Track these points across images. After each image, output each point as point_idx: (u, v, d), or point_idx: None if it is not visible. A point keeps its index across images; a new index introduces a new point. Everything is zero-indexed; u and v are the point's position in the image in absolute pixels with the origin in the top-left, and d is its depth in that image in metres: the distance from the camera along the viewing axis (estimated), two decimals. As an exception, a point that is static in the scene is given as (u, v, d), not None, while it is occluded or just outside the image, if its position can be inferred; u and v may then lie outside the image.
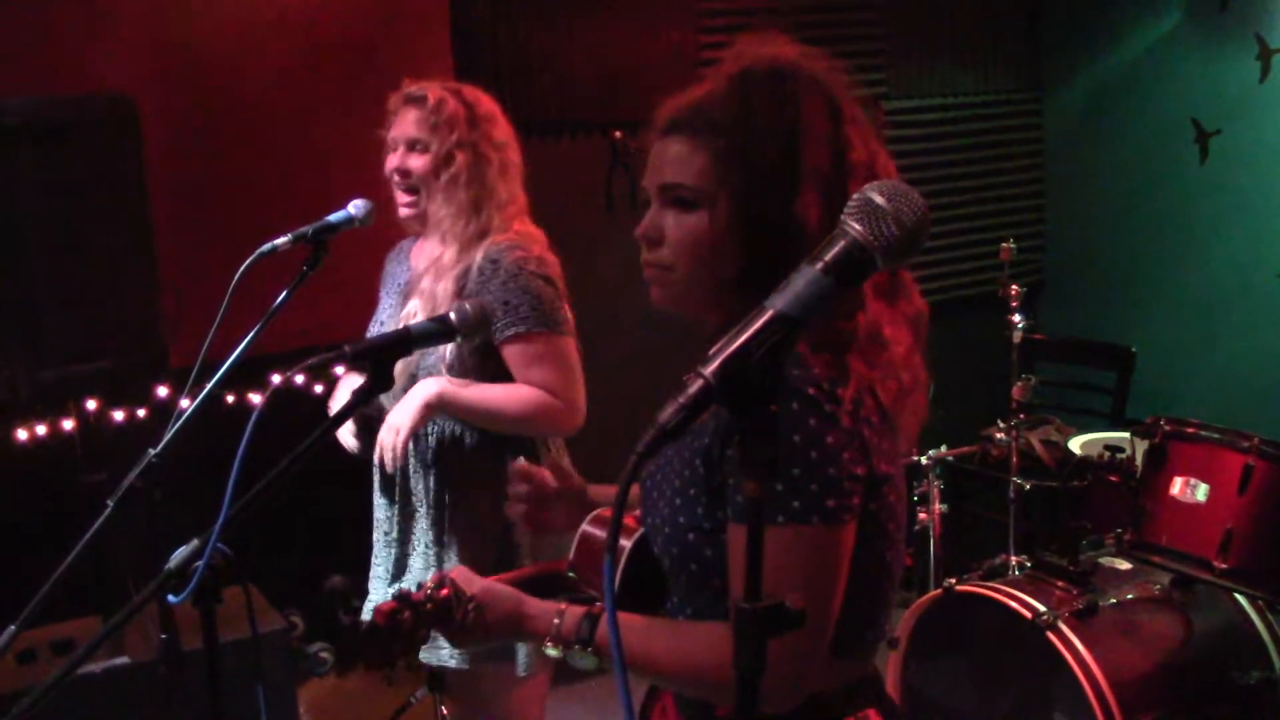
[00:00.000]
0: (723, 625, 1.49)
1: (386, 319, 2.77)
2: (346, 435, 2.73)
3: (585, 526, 1.78)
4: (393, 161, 2.65)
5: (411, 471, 2.67)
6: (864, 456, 1.44)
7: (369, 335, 2.77)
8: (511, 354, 2.56)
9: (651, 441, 1.07)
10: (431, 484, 2.64)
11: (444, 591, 1.61)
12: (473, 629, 1.61)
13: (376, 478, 2.76)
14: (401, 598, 1.59)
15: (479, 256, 2.56)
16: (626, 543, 1.67)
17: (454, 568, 1.69)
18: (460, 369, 2.57)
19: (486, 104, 2.66)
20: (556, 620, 1.57)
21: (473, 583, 1.63)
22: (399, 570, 2.71)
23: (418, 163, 2.61)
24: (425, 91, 2.62)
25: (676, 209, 1.54)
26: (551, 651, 1.58)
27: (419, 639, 1.62)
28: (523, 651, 2.62)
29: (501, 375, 2.60)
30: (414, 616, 1.59)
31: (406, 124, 2.63)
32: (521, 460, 2.01)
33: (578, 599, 1.65)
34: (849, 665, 1.57)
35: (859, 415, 1.44)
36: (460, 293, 2.55)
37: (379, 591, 2.76)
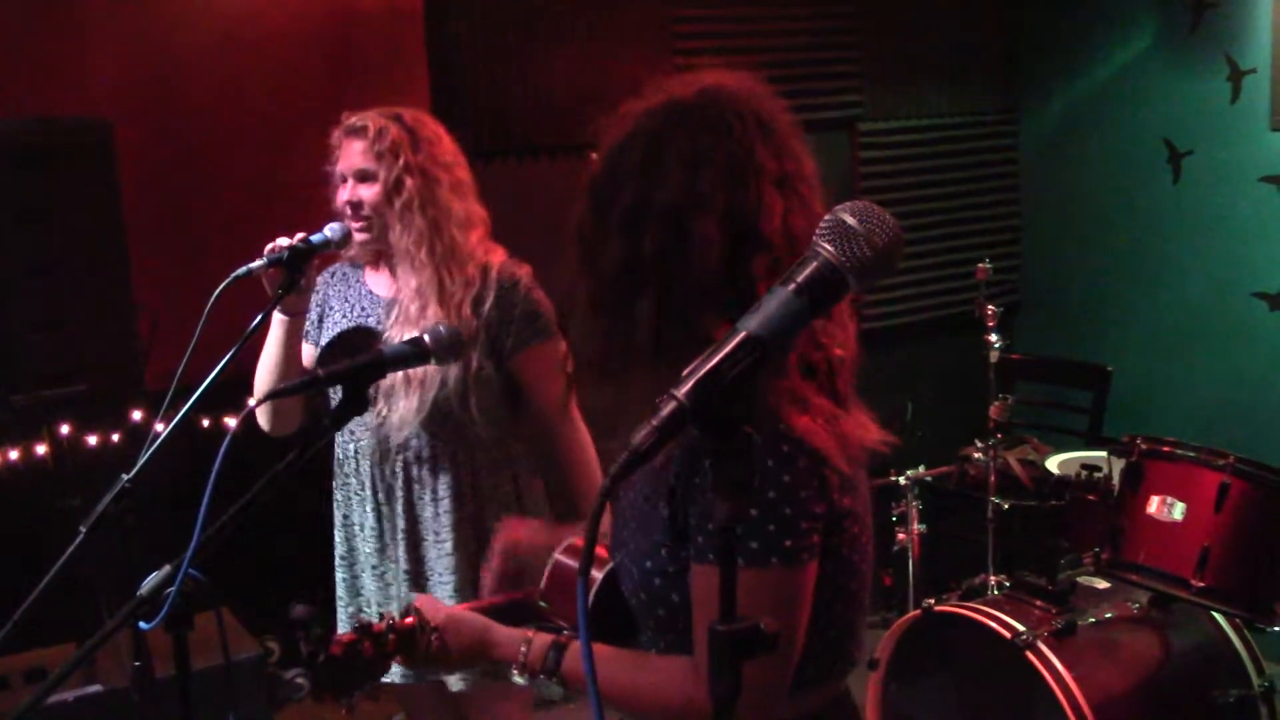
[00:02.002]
0: (687, 659, 1.50)
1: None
2: None
3: (557, 555, 1.77)
4: (343, 195, 2.64)
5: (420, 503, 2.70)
6: (823, 493, 1.44)
7: (318, 358, 2.77)
8: (535, 361, 2.66)
9: (625, 464, 1.07)
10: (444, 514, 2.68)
11: (408, 620, 1.61)
12: (437, 658, 1.62)
13: (367, 509, 2.75)
14: (361, 629, 1.59)
15: (493, 274, 2.63)
16: (598, 573, 1.66)
17: (419, 596, 1.69)
18: (483, 382, 2.62)
19: (430, 125, 2.68)
20: (524, 648, 1.59)
21: (438, 611, 1.63)
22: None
23: (369, 193, 2.61)
24: (365, 121, 2.62)
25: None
26: (518, 679, 1.59)
27: (380, 670, 1.61)
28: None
29: (511, 387, 2.68)
30: (375, 648, 1.58)
31: (353, 156, 2.63)
32: (505, 537, 2.00)
33: (546, 627, 1.64)
34: (818, 694, 1.57)
35: (818, 451, 1.43)
36: (474, 312, 2.60)
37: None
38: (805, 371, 1.48)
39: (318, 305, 2.80)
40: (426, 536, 2.68)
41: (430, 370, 2.56)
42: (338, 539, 2.80)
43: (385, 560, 2.72)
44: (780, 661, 1.43)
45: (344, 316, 2.74)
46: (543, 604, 1.77)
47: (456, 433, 2.64)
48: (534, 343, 2.64)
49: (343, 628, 2.82)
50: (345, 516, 2.77)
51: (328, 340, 2.75)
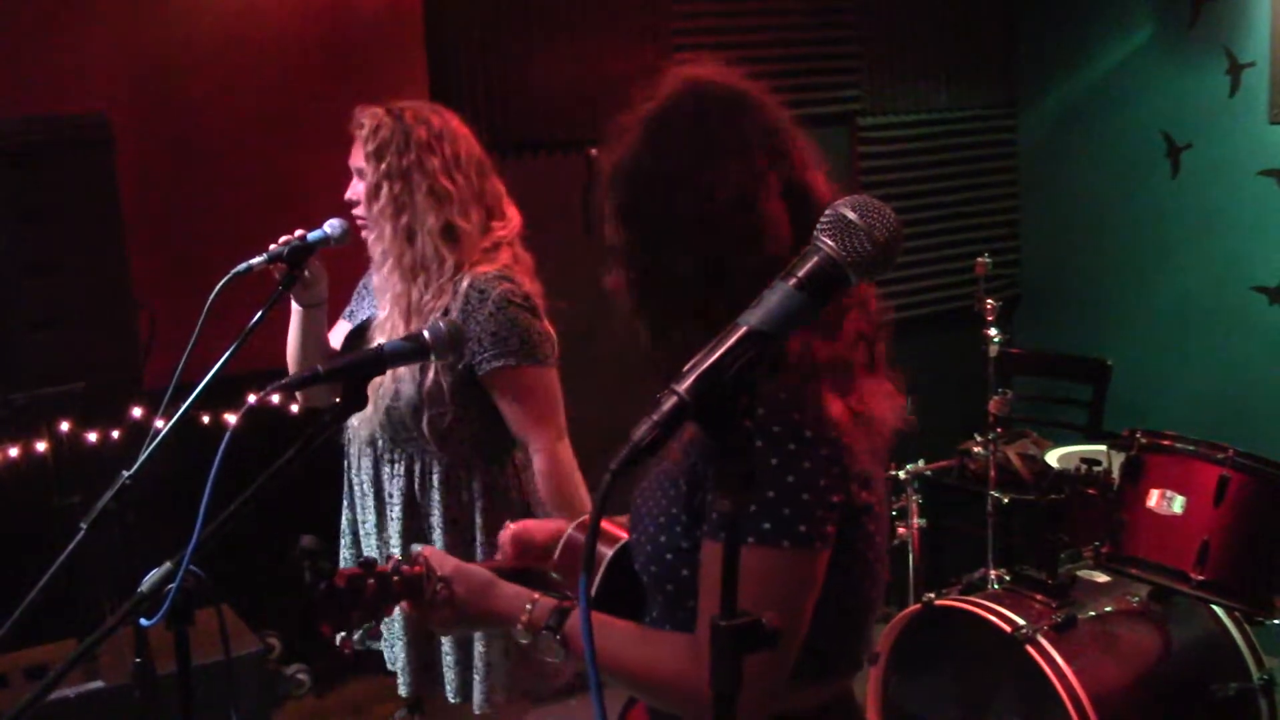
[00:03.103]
0: (689, 636, 1.49)
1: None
2: None
3: (571, 531, 1.78)
4: (347, 191, 2.65)
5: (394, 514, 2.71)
6: (842, 484, 1.44)
7: (346, 336, 2.79)
8: (500, 385, 2.55)
9: (625, 459, 1.07)
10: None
11: (416, 568, 1.62)
12: (442, 606, 1.62)
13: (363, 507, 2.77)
14: (366, 565, 1.59)
15: (464, 285, 2.52)
16: (607, 550, 1.67)
17: (425, 546, 1.68)
18: (440, 399, 2.55)
19: (433, 125, 2.57)
20: (529, 607, 1.58)
21: (445, 561, 1.64)
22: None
23: (360, 190, 2.61)
24: (363, 119, 2.58)
25: (614, 266, 1.62)
26: (521, 638, 1.58)
27: (381, 609, 1.61)
28: (479, 691, 2.62)
29: (479, 403, 2.60)
30: (378, 586, 1.59)
31: (354, 153, 2.61)
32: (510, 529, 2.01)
33: (554, 594, 1.66)
34: (821, 689, 1.57)
35: (841, 441, 1.43)
36: None
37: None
38: (856, 339, 1.50)
39: (365, 287, 2.82)
40: (388, 534, 2.71)
41: (386, 379, 2.53)
42: (345, 518, 2.83)
43: (358, 538, 2.79)
44: (781, 650, 1.41)
45: (370, 305, 2.77)
46: (555, 576, 1.77)
47: (414, 444, 2.63)
48: (499, 364, 2.51)
49: None
50: (350, 497, 2.81)
51: (354, 327, 2.77)
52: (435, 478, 2.63)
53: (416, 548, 1.71)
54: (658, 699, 1.57)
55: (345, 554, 2.83)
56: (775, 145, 1.52)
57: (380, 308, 2.60)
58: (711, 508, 1.46)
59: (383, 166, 2.53)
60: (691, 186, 1.49)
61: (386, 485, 2.68)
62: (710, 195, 1.48)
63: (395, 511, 2.66)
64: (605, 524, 1.71)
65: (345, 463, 2.81)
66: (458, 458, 2.62)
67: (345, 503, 2.82)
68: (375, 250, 2.59)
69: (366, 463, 2.70)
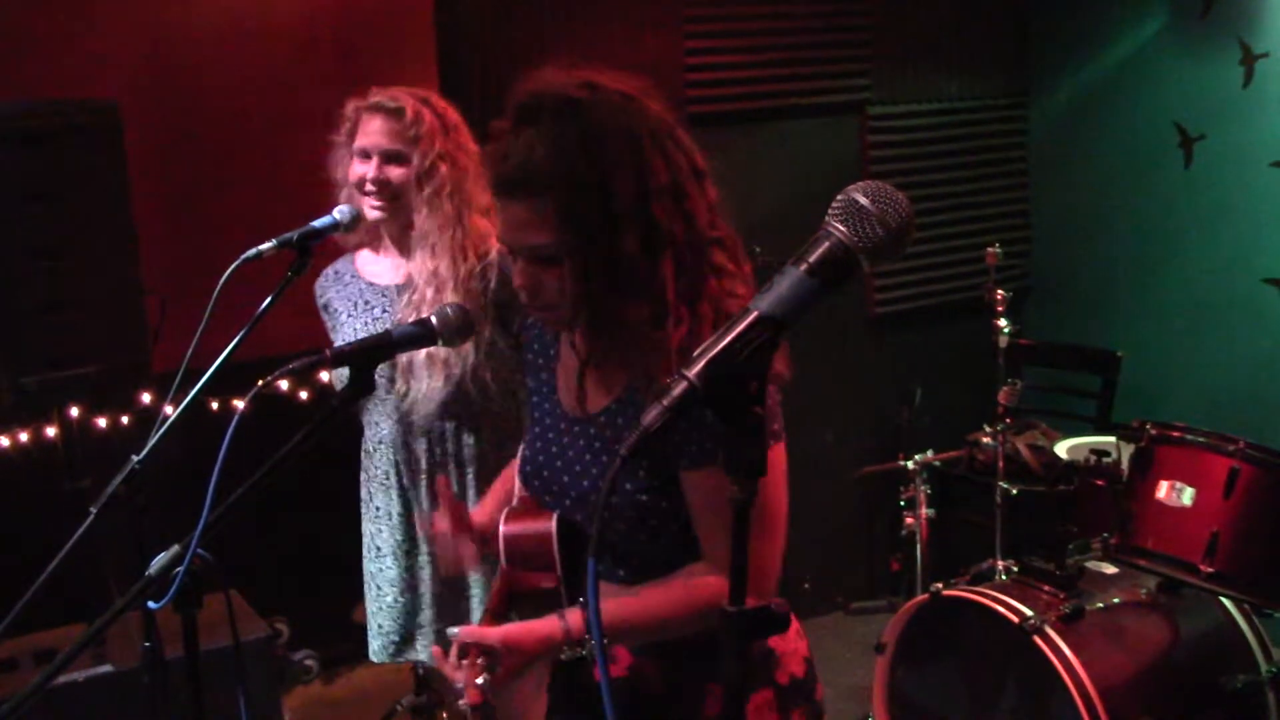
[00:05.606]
0: (700, 565, 1.70)
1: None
2: None
3: (503, 528, 1.87)
4: (368, 172, 2.63)
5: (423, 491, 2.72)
6: None
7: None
8: None
9: (635, 444, 1.07)
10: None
11: (479, 680, 1.73)
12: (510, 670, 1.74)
13: (388, 491, 2.76)
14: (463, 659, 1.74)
15: (493, 255, 2.62)
16: (550, 524, 1.80)
17: (462, 629, 1.76)
18: (497, 355, 2.65)
19: (453, 113, 2.71)
20: (562, 623, 1.71)
21: (487, 635, 1.74)
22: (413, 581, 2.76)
23: (397, 174, 2.61)
24: (399, 103, 2.62)
25: (543, 264, 1.67)
26: (565, 655, 1.72)
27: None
28: None
29: None
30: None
31: (378, 135, 2.62)
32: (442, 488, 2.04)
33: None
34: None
35: None
36: (483, 294, 2.61)
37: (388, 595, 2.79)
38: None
39: (324, 310, 2.82)
40: (468, 498, 2.71)
41: (451, 354, 2.58)
42: (368, 530, 2.82)
43: (414, 547, 2.75)
44: (773, 538, 1.65)
45: (349, 316, 2.75)
46: (550, 585, 1.83)
47: (476, 411, 2.68)
48: None
49: (372, 613, 2.83)
50: (378, 508, 2.79)
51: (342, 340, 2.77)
52: (507, 436, 2.69)
53: (453, 631, 1.76)
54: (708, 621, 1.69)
55: (392, 549, 2.82)
56: (675, 134, 1.69)
57: (426, 284, 2.62)
58: (683, 442, 1.63)
59: (435, 149, 2.61)
60: (626, 183, 1.61)
61: (459, 456, 2.71)
62: (646, 186, 1.62)
63: (472, 478, 2.71)
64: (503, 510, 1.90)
65: (370, 474, 2.81)
66: (516, 410, 2.72)
67: (373, 504, 2.81)
68: (426, 227, 2.63)
69: (415, 454, 2.72)
